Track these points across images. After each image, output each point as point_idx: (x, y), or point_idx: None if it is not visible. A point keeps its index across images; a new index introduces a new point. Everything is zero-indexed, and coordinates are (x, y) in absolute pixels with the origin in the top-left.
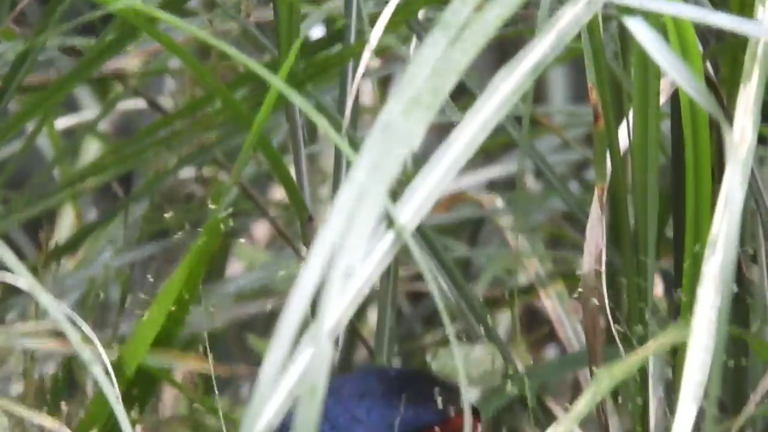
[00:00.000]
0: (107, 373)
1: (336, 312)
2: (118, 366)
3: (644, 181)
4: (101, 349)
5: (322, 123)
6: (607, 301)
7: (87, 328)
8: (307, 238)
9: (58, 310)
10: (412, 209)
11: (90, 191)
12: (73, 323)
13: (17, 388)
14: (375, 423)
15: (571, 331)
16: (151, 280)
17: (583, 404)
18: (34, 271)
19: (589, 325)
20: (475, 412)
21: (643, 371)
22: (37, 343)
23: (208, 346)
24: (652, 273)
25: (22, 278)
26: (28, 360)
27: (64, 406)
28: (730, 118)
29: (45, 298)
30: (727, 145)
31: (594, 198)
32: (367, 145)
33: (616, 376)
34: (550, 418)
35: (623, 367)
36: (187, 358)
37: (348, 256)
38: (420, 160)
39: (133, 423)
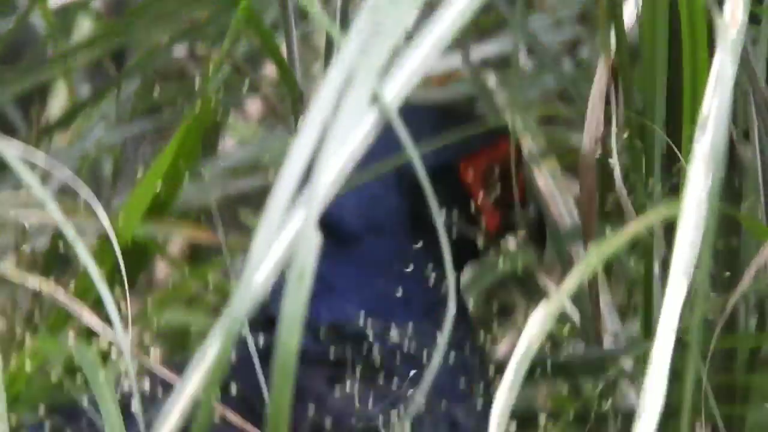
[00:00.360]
0: (103, 244)
1: (325, 189)
2: (109, 239)
3: (652, 56)
4: (102, 214)
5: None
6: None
7: (86, 192)
8: (299, 116)
9: (40, 186)
10: (399, 85)
11: (82, 67)
12: (64, 195)
13: (9, 263)
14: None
15: (563, 207)
16: (144, 157)
17: (572, 280)
18: (26, 146)
19: (585, 202)
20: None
21: (639, 249)
22: (28, 214)
23: (201, 220)
24: (659, 149)
25: (9, 150)
26: (20, 233)
27: (53, 280)
28: None
29: (27, 175)
30: (717, 25)
31: (596, 74)
32: (355, 27)
33: (605, 252)
34: (541, 294)
35: (613, 242)
36: (182, 226)
37: (337, 134)
38: (409, 32)
39: (122, 298)
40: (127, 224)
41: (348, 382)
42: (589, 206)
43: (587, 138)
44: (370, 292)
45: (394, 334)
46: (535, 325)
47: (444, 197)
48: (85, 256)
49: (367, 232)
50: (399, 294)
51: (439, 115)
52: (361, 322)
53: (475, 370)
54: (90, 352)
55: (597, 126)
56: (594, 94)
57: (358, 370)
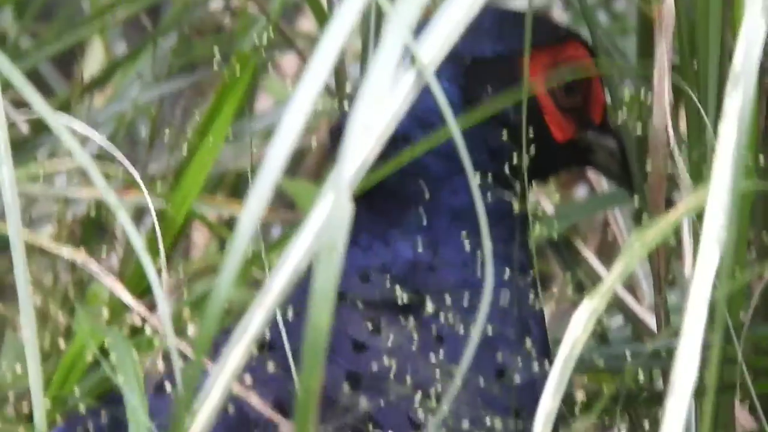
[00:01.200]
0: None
1: (357, 159)
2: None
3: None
4: (147, 195)
5: None
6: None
7: (131, 168)
8: (337, 71)
9: (83, 152)
10: (436, 45)
11: (118, 23)
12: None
13: (47, 233)
14: None
15: None
16: (180, 115)
17: (615, 274)
18: (65, 105)
19: (655, 183)
20: (587, 46)
21: None
22: (67, 191)
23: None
24: (713, 106)
25: (49, 116)
26: (61, 201)
27: (90, 253)
28: None
29: (70, 141)
30: None
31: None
32: None
33: (647, 243)
34: (577, 257)
35: (655, 232)
36: (232, 203)
37: (369, 96)
38: None
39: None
40: (181, 203)
41: (391, 330)
42: (658, 188)
43: (657, 120)
44: (421, 232)
45: (443, 269)
46: (580, 325)
47: (501, 91)
48: (130, 230)
49: (416, 130)
50: (449, 225)
51: (500, 12)
52: (407, 264)
53: (530, 314)
54: (122, 335)
55: (667, 109)
56: (657, 80)
57: (405, 315)
